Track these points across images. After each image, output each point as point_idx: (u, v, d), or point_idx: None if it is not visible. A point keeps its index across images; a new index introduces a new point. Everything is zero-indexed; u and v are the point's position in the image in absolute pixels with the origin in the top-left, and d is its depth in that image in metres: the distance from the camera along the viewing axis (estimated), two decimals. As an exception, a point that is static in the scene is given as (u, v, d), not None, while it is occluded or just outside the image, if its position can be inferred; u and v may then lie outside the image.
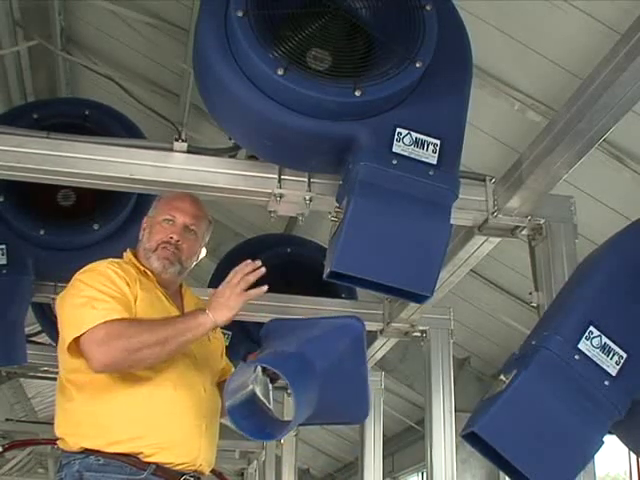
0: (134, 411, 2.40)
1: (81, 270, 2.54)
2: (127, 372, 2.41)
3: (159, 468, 2.39)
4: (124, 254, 2.69)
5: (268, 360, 2.37)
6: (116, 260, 2.60)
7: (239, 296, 2.42)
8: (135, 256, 2.66)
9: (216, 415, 2.60)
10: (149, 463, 2.37)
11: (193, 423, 2.47)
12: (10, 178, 3.21)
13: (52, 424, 2.53)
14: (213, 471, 2.67)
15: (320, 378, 2.40)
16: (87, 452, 2.38)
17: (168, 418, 2.42)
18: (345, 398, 2.55)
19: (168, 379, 2.45)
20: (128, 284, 2.48)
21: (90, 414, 2.41)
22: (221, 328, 2.78)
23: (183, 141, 3.11)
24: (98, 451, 2.37)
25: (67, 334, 2.40)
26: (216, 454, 2.63)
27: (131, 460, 2.37)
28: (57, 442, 2.48)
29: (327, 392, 2.43)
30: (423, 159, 2.65)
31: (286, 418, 2.50)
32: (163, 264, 2.60)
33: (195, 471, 2.48)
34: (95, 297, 2.41)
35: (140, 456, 2.37)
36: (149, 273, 2.60)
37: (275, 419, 2.41)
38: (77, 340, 2.37)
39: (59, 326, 2.48)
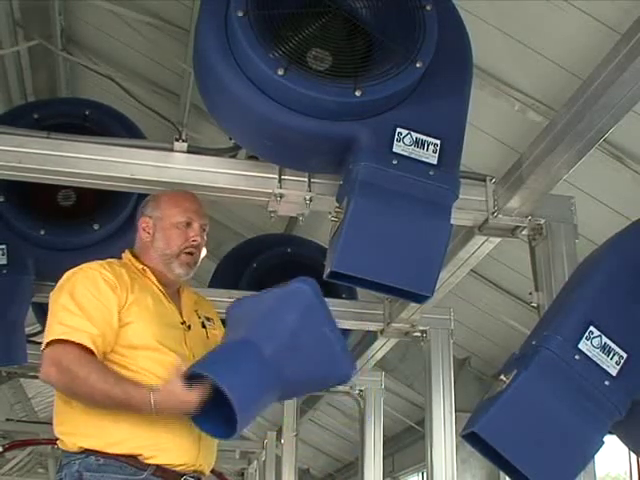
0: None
1: (73, 270, 2.53)
2: (125, 373, 2.41)
3: (159, 469, 2.38)
4: (123, 255, 2.68)
5: (196, 369, 2.29)
6: (110, 261, 2.58)
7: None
8: (135, 256, 2.65)
9: None
10: (149, 464, 2.37)
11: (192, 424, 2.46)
12: (11, 178, 3.22)
13: (52, 424, 2.53)
14: (213, 471, 2.66)
15: (275, 361, 2.31)
16: (87, 452, 2.37)
17: (166, 419, 2.40)
18: (319, 364, 2.43)
19: (166, 380, 2.45)
20: (115, 288, 2.46)
21: (88, 414, 2.40)
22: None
23: (183, 141, 3.11)
24: (97, 451, 2.37)
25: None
26: (216, 454, 2.63)
27: (131, 460, 2.36)
28: (57, 442, 2.49)
29: (294, 366, 2.35)
30: (423, 159, 2.65)
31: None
32: (186, 270, 2.61)
33: (195, 471, 2.48)
34: (68, 307, 2.40)
35: (140, 457, 2.37)
36: (147, 270, 2.60)
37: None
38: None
39: None
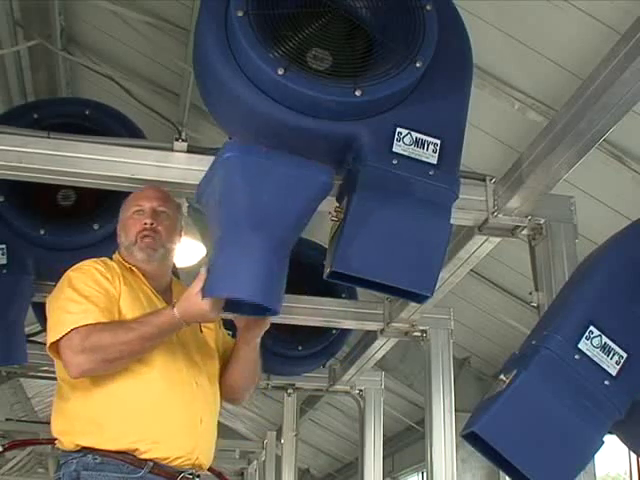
0: (127, 407, 2.42)
1: (68, 270, 2.57)
2: (118, 370, 2.43)
3: (156, 466, 2.39)
4: (113, 256, 2.71)
5: (211, 291, 2.31)
6: (103, 259, 2.63)
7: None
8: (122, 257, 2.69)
9: (213, 407, 2.61)
10: (146, 460, 2.38)
11: (187, 417, 2.47)
12: (11, 178, 3.22)
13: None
14: (213, 471, 2.68)
15: (261, 229, 2.31)
16: (84, 450, 2.39)
17: (161, 413, 2.44)
18: (296, 193, 2.44)
19: (159, 374, 2.47)
20: (110, 280, 2.51)
21: (84, 412, 2.42)
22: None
23: (183, 141, 3.12)
24: (94, 449, 2.38)
25: (47, 337, 2.44)
26: (216, 454, 2.62)
27: (128, 458, 2.38)
28: (55, 442, 2.50)
29: (280, 216, 2.37)
30: (423, 159, 2.65)
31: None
32: (147, 253, 2.62)
33: (193, 466, 2.48)
34: (72, 298, 2.44)
35: (136, 453, 2.38)
36: (135, 270, 2.62)
37: None
38: (57, 343, 2.40)
39: None
